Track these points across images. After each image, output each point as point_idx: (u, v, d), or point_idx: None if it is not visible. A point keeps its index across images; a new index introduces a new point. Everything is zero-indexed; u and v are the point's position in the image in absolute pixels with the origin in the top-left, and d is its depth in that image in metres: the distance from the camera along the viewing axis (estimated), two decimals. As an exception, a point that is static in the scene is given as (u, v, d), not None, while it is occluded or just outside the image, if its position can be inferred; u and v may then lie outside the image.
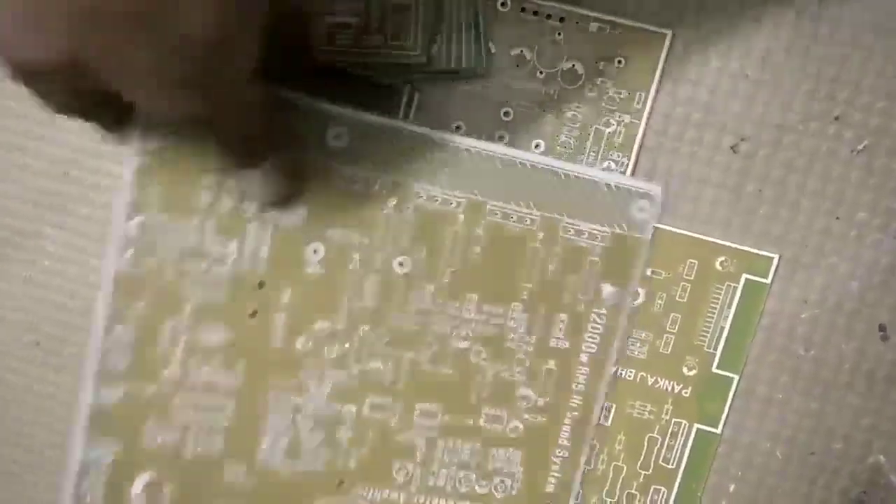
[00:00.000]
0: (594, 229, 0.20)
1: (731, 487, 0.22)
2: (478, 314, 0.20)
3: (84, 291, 0.21)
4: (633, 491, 0.22)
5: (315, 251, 0.20)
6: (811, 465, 0.22)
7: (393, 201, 0.20)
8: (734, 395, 0.22)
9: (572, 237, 0.20)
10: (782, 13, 0.20)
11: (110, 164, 0.22)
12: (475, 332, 0.20)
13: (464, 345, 0.20)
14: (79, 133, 0.22)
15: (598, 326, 0.21)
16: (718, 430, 0.22)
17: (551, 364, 0.21)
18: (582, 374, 0.21)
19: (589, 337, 0.21)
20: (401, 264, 0.20)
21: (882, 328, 0.21)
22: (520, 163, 0.20)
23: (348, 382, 0.20)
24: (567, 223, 0.20)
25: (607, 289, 0.20)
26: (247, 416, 0.20)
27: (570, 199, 0.20)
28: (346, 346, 0.20)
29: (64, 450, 0.22)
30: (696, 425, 0.22)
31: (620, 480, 0.22)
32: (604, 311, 0.21)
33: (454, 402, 0.21)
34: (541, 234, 0.20)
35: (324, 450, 0.20)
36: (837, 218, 0.21)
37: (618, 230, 0.20)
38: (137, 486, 0.20)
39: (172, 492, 0.20)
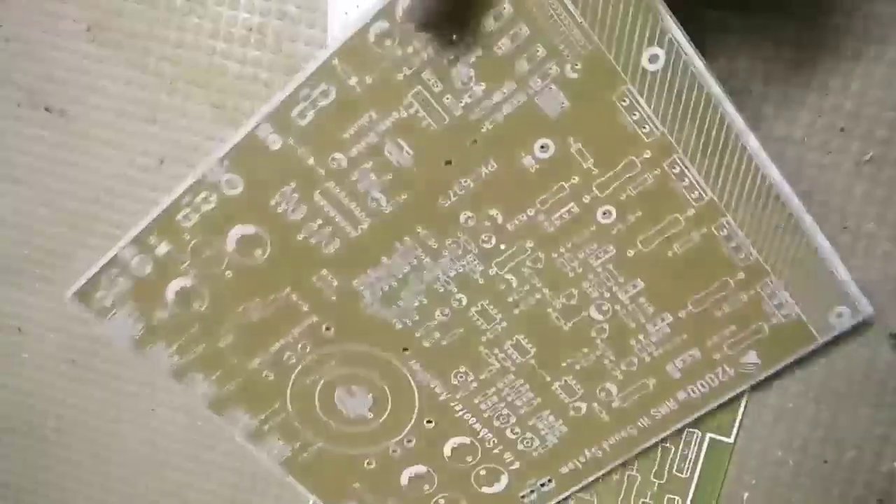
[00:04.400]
0: (785, 298, 0.21)
1: (745, 496, 0.24)
2: (630, 303, 0.22)
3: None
4: (647, 500, 0.24)
5: (543, 147, 0.20)
6: (824, 474, 0.23)
7: None
8: (746, 405, 0.23)
9: (765, 296, 0.21)
10: (783, 25, 0.21)
11: (143, 190, 0.23)
12: (614, 315, 0.22)
13: (597, 317, 0.22)
14: (111, 161, 0.24)
15: (715, 382, 0.22)
16: (731, 440, 0.23)
17: (650, 383, 0.23)
18: (668, 407, 0.23)
19: (700, 384, 0.22)
20: (605, 214, 0.21)
21: (893, 337, 0.22)
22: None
23: (478, 276, 0.22)
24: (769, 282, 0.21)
25: (751, 356, 0.22)
26: (376, 241, 0.21)
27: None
28: (503, 246, 0.21)
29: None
30: (709, 434, 0.24)
31: (635, 489, 0.24)
32: (731, 371, 0.22)
33: (547, 355, 0.23)
34: (741, 275, 0.21)
35: (414, 315, 0.22)
36: (845, 228, 0.22)
37: (802, 317, 0.21)
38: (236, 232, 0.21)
39: (271, 251, 0.22)
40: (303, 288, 0.22)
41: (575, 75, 0.19)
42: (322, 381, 0.24)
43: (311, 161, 0.21)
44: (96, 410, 0.24)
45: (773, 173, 0.20)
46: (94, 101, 0.23)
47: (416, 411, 0.24)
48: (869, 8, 0.20)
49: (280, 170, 0.21)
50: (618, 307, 0.22)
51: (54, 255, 0.24)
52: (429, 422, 0.24)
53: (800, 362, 0.22)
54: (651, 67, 0.19)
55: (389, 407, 0.24)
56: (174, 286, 0.22)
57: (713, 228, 0.21)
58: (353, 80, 0.20)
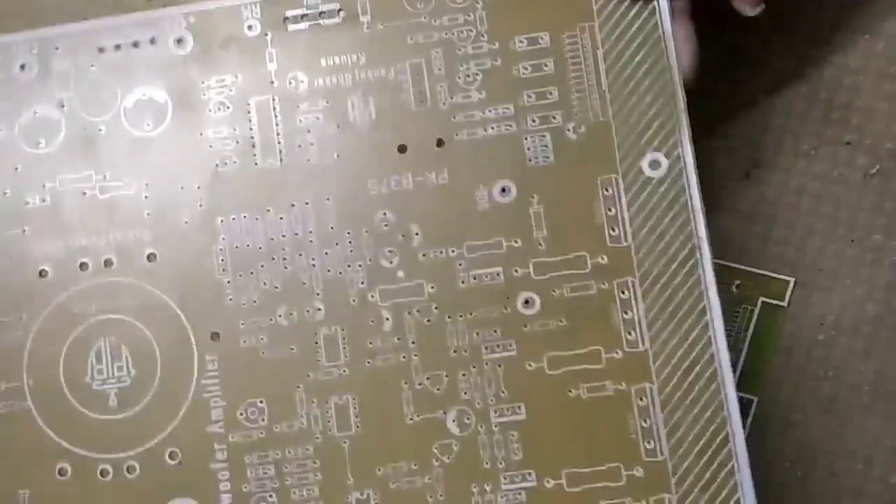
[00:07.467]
0: None
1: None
2: (499, 433, 0.17)
3: None
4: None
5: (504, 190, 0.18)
6: (832, 487, 0.22)
7: None
8: (753, 417, 0.22)
9: None
10: (791, 41, 0.22)
11: None
12: (471, 440, 0.17)
13: (452, 428, 0.17)
14: None
15: None
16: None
17: None
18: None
19: None
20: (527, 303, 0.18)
21: (901, 348, 0.22)
22: None
23: (353, 294, 0.17)
24: None
25: None
26: (273, 183, 0.18)
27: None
28: (400, 274, 0.17)
29: None
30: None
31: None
32: None
33: (366, 449, 0.17)
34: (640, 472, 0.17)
35: (253, 296, 0.18)
36: (852, 241, 0.22)
37: None
38: None
39: None
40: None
41: (574, 137, 0.18)
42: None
43: (271, 66, 0.18)
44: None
45: (724, 360, 0.17)
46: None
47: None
48: (874, 23, 0.22)
49: (236, 53, 0.18)
50: (481, 430, 0.17)
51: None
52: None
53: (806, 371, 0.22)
54: (648, 171, 0.18)
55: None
56: None
57: (632, 390, 0.17)
58: (365, 17, 0.18)
